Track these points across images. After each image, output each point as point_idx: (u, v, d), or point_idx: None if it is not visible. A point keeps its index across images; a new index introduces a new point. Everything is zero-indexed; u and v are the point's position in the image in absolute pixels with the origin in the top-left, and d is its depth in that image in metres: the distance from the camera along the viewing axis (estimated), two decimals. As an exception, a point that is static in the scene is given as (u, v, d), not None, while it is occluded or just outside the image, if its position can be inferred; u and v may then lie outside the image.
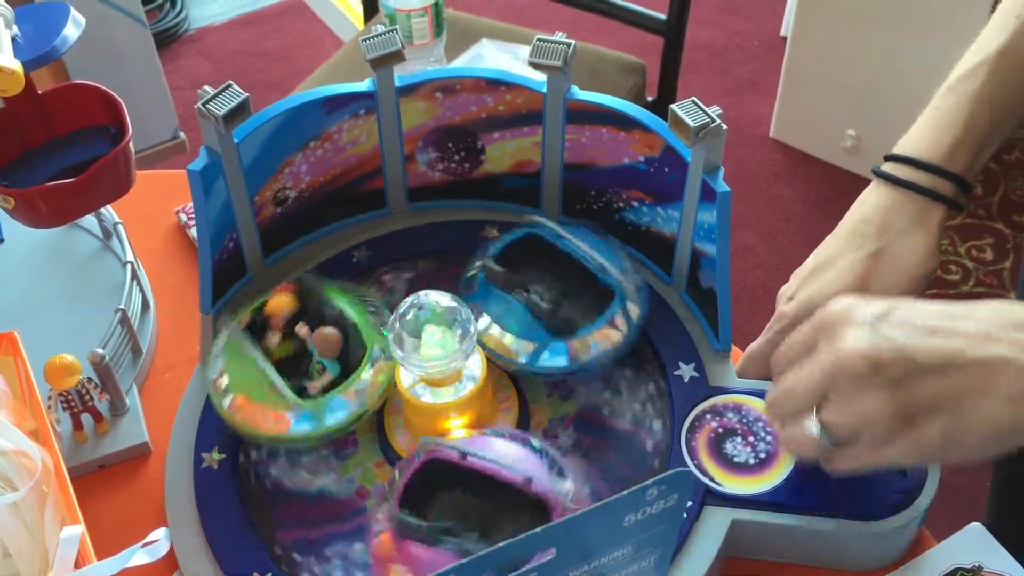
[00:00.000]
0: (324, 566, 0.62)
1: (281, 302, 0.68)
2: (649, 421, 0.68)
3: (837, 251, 0.66)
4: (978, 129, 0.65)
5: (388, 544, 0.57)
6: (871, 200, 0.67)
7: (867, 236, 0.65)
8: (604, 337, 0.66)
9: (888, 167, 0.67)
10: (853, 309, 0.53)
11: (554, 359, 0.66)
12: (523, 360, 0.66)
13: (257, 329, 0.68)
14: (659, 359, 0.69)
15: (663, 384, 0.68)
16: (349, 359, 0.66)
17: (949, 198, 0.65)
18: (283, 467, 0.67)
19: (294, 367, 0.66)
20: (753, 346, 0.68)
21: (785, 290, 0.68)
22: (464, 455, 0.58)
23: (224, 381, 0.65)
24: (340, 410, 0.63)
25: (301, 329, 0.66)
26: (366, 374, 0.64)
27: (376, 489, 0.65)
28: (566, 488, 0.58)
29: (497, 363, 0.67)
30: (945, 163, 0.65)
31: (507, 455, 0.59)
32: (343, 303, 0.67)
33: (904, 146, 0.67)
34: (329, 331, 0.66)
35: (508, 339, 0.66)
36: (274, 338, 0.67)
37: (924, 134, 0.66)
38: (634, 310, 0.68)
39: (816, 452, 0.56)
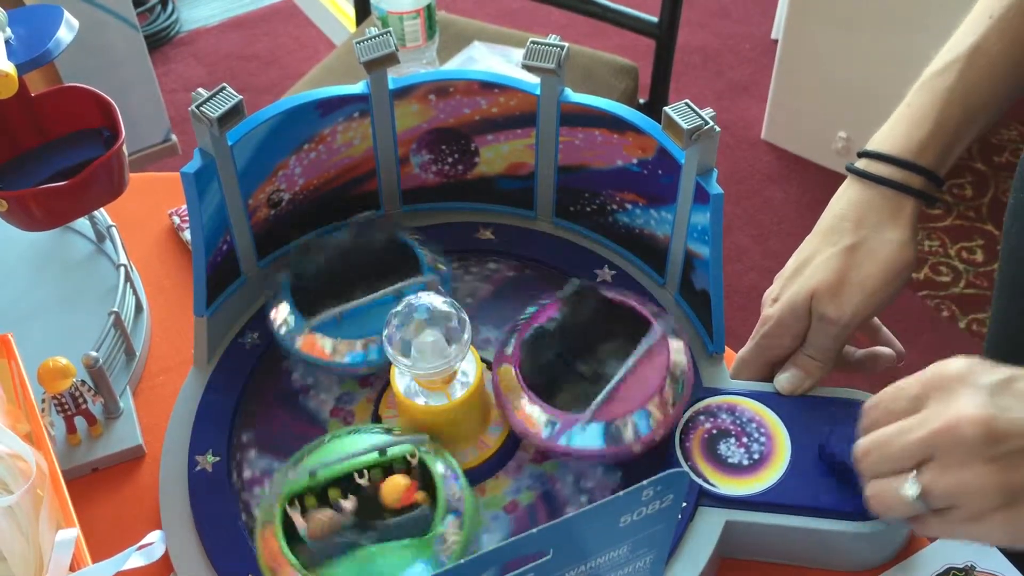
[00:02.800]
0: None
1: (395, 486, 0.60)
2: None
3: (814, 249, 0.67)
4: (949, 125, 0.66)
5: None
6: (845, 197, 0.68)
7: (843, 232, 0.66)
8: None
9: (861, 163, 0.68)
10: (973, 372, 0.50)
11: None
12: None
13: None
14: (653, 361, 0.69)
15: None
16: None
17: (921, 191, 0.66)
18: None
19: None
20: (743, 351, 0.69)
21: (769, 293, 0.68)
22: None
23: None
24: None
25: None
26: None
27: None
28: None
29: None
30: (915, 158, 0.66)
31: None
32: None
33: (876, 142, 0.68)
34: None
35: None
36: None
37: (896, 130, 0.67)
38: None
39: (905, 514, 0.53)
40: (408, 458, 0.60)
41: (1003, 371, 0.50)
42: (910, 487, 0.51)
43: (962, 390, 0.50)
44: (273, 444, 0.68)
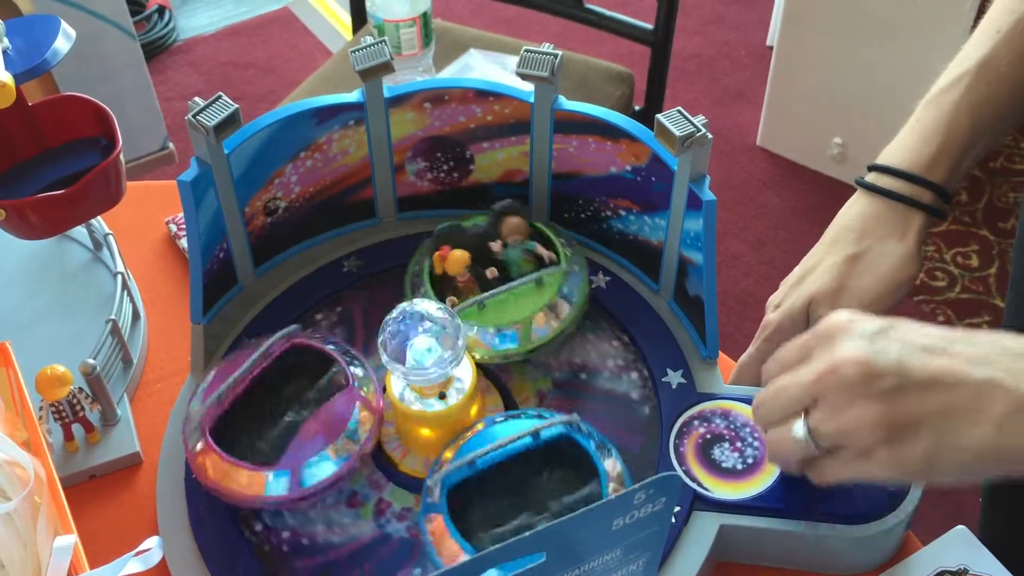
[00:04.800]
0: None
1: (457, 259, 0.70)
2: (625, 371, 0.70)
3: (819, 258, 0.68)
4: (958, 139, 0.66)
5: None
6: (854, 209, 0.68)
7: (847, 242, 0.67)
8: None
9: (871, 177, 0.68)
10: (853, 322, 0.53)
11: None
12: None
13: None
14: (647, 366, 0.70)
15: (651, 391, 0.69)
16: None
17: (929, 206, 0.66)
18: (297, 525, 0.65)
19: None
20: (744, 356, 0.70)
21: (773, 299, 0.69)
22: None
23: None
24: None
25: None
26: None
27: (401, 510, 0.65)
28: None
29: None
30: (924, 172, 0.66)
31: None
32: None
33: (886, 157, 0.68)
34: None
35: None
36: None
37: (905, 145, 0.68)
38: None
39: (800, 457, 0.55)
40: None
41: (880, 320, 0.53)
42: (798, 428, 0.54)
43: (843, 337, 0.53)
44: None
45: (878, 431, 0.51)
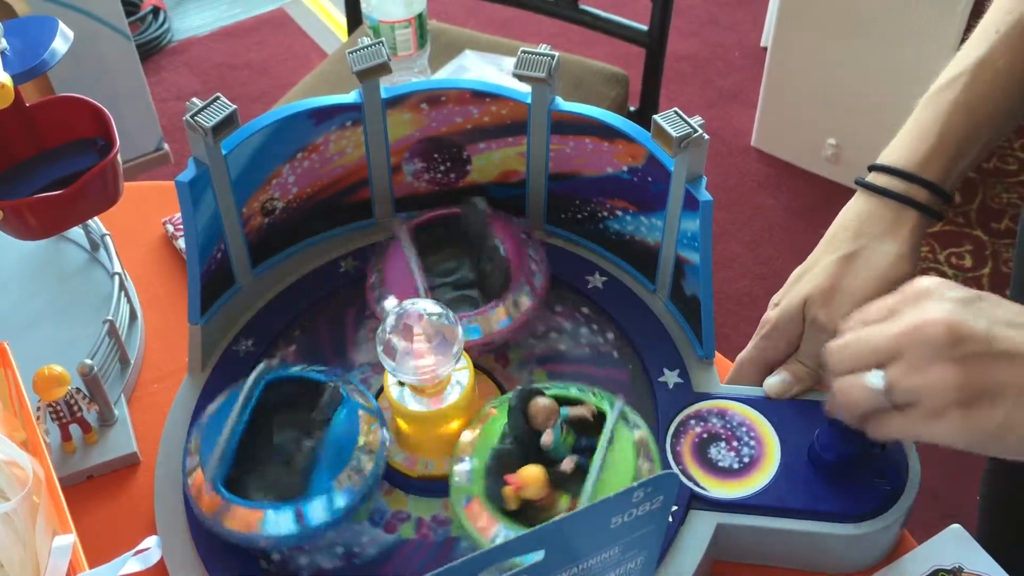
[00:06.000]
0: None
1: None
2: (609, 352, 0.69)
3: (816, 258, 0.68)
4: (953, 138, 0.67)
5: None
6: (852, 209, 0.69)
7: (842, 241, 0.67)
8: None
9: (869, 177, 0.69)
10: (942, 287, 0.54)
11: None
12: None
13: None
14: (644, 366, 0.70)
15: (648, 390, 0.69)
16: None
17: (923, 205, 0.67)
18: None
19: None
20: (743, 354, 0.70)
21: (774, 298, 0.70)
22: None
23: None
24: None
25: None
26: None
27: (396, 514, 0.65)
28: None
29: None
30: (919, 170, 0.67)
31: None
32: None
33: (884, 156, 0.69)
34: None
35: None
36: None
37: (902, 144, 0.68)
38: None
39: (868, 408, 0.55)
40: None
41: (968, 290, 0.54)
42: (876, 378, 0.54)
43: (932, 299, 0.53)
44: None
45: (955, 393, 0.51)
